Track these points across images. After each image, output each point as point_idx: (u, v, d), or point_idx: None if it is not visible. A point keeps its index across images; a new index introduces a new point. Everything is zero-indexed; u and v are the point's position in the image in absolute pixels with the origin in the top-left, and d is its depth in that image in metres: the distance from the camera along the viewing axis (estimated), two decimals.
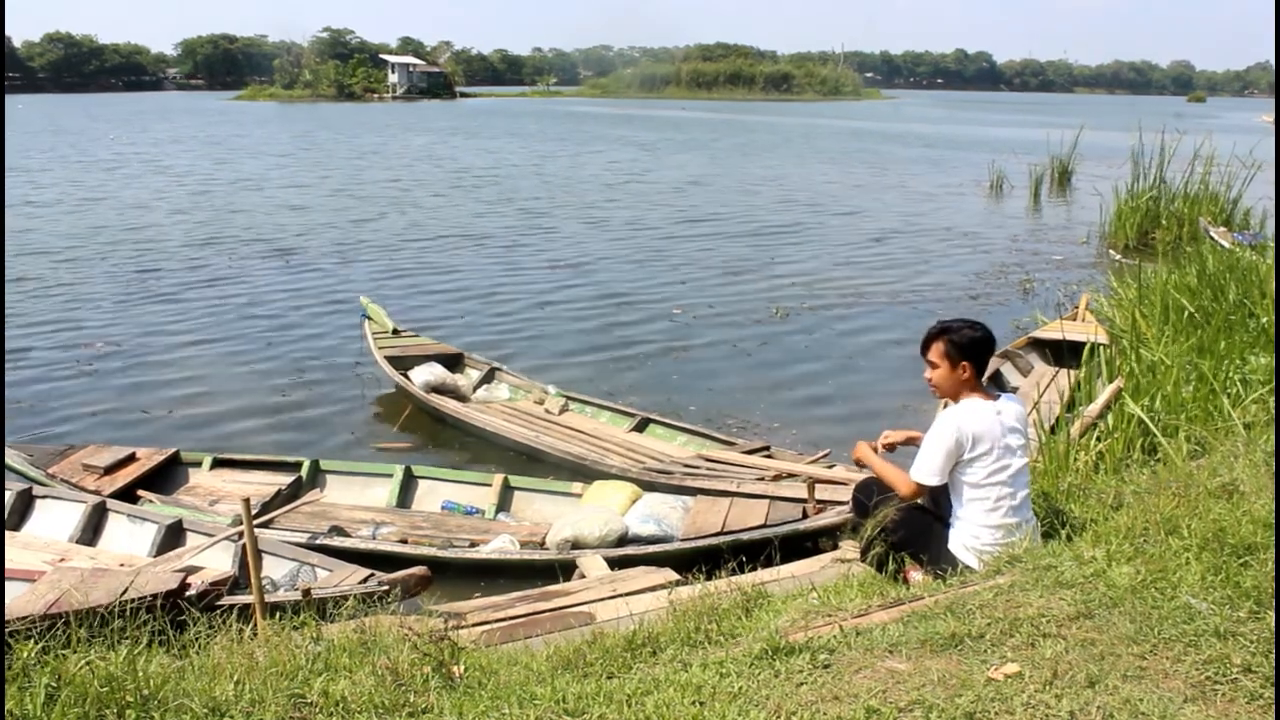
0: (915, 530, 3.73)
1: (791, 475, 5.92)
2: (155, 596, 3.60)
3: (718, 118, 62.87)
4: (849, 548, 4.65)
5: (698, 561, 4.86)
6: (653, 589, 4.37)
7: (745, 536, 5.14)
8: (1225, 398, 5.35)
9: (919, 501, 3.75)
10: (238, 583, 4.49)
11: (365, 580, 4.40)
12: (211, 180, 24.18)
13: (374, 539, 5.43)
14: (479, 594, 4.89)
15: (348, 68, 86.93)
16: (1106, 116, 46.83)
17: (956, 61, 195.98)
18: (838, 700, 2.44)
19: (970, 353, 3.62)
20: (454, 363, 8.31)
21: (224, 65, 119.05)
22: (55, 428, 7.51)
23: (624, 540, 5.34)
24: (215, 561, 4.81)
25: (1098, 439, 5.32)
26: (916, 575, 3.71)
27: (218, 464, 6.42)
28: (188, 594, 3.82)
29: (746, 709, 2.42)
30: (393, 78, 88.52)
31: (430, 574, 4.44)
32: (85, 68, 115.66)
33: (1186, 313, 7.51)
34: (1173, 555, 3.05)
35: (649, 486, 5.98)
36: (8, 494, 5.63)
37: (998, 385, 7.49)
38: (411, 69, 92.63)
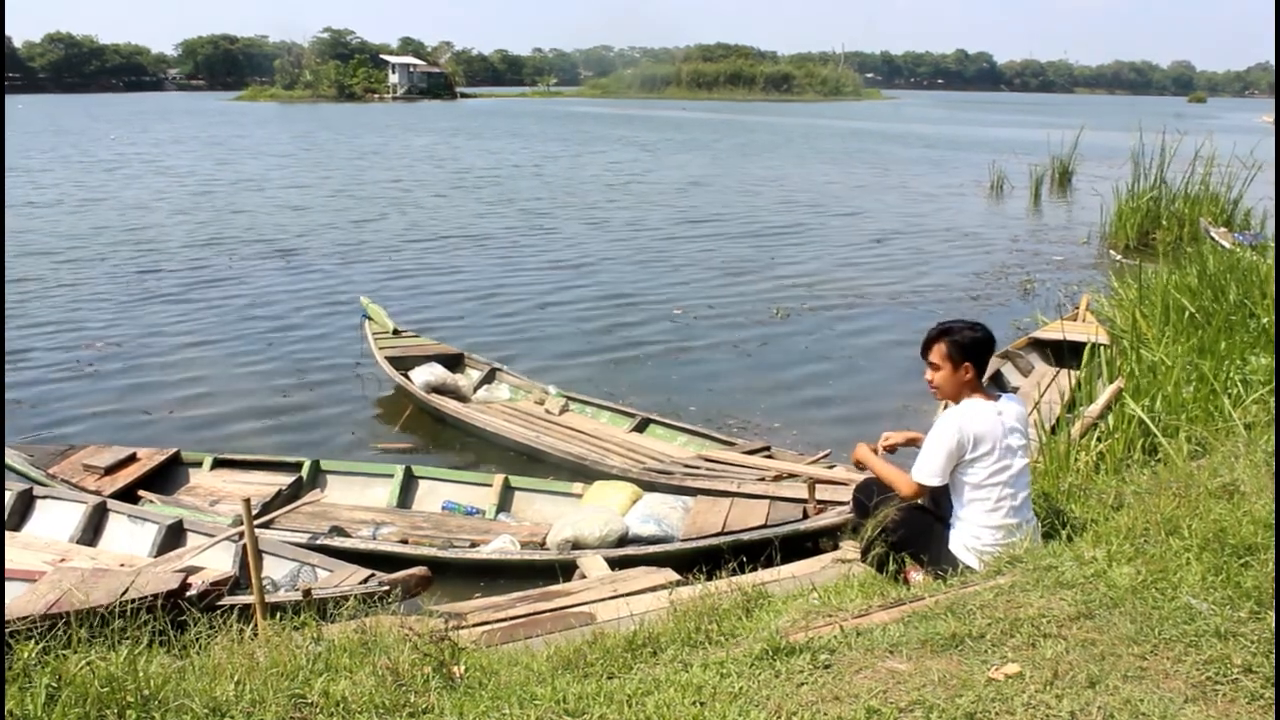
0: (915, 530, 3.73)
1: (792, 475, 5.92)
2: (156, 597, 3.60)
3: (718, 118, 62.87)
4: (849, 548, 4.65)
5: (698, 562, 4.87)
6: (653, 589, 4.38)
7: (746, 537, 5.14)
8: (1226, 398, 5.35)
9: (919, 502, 3.75)
10: (238, 583, 4.49)
11: (366, 580, 4.40)
12: (212, 181, 24.19)
13: (374, 539, 5.43)
14: (479, 594, 4.89)
15: (348, 68, 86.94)
16: (1107, 117, 46.83)
17: (957, 62, 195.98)
18: (838, 700, 2.44)
19: (972, 353, 3.62)
20: (454, 363, 8.32)
21: (224, 66, 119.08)
22: (56, 428, 7.51)
23: (624, 540, 5.35)
24: (216, 562, 4.81)
25: (1098, 439, 5.32)
26: (917, 575, 3.71)
27: (218, 464, 6.42)
28: (188, 594, 3.82)
29: (747, 709, 2.42)
30: (393, 78, 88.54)
31: (431, 574, 4.44)
32: (86, 68, 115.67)
33: (1187, 313, 7.51)
34: (1173, 555, 3.05)
35: (649, 487, 5.98)
36: (8, 494, 5.63)
37: (998, 385, 7.49)
38: (412, 69, 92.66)
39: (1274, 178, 11.62)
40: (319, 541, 5.22)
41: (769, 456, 6.43)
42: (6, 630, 3.08)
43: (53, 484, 5.86)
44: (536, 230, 17.09)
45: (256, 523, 4.21)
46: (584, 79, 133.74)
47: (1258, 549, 2.98)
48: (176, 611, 3.61)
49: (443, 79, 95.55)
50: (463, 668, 2.91)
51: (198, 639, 3.20)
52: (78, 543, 5.33)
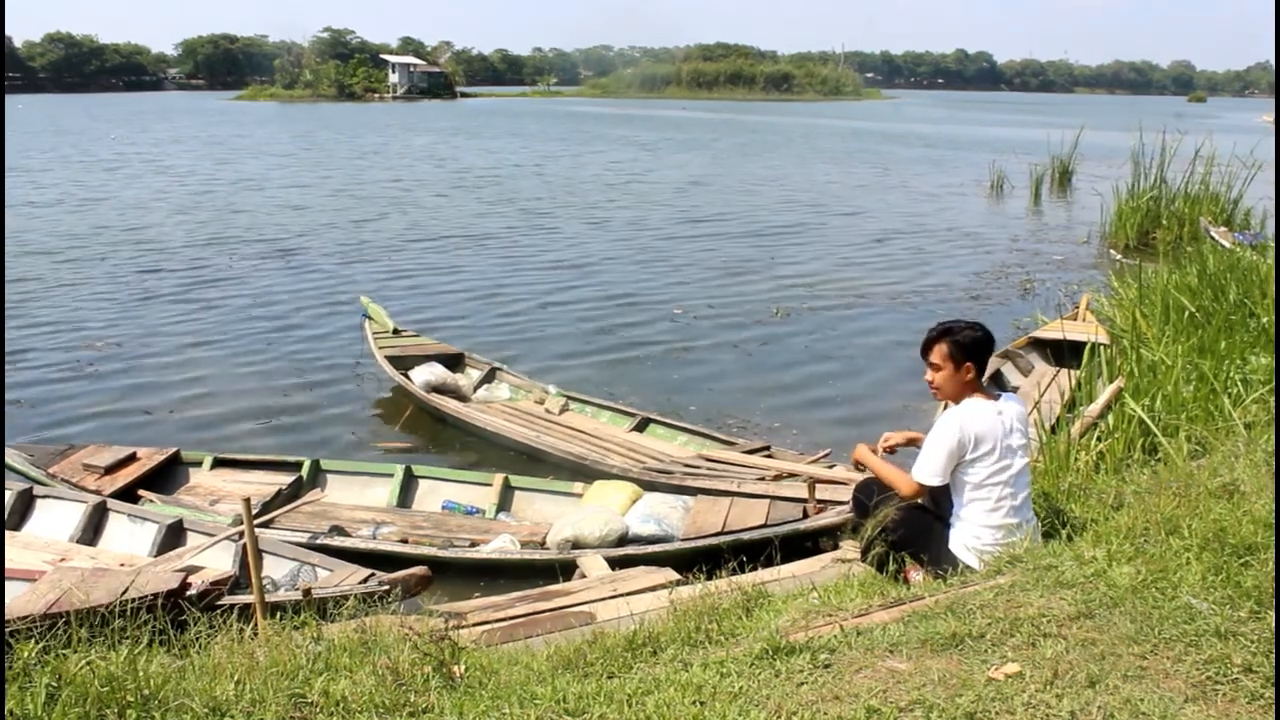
0: (915, 530, 3.73)
1: (792, 475, 5.92)
2: (156, 596, 3.60)
3: (718, 118, 62.87)
4: (849, 548, 4.65)
5: (698, 561, 4.87)
6: (653, 589, 4.38)
7: (746, 536, 5.14)
8: (1226, 398, 5.35)
9: (919, 501, 3.75)
10: (238, 582, 4.49)
11: (366, 580, 4.40)
12: (213, 180, 24.19)
13: (374, 539, 5.43)
14: (479, 594, 4.89)
15: (348, 68, 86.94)
16: (1107, 116, 46.83)
17: (957, 61, 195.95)
18: (838, 700, 2.44)
19: (973, 353, 3.62)
20: (454, 363, 8.32)
21: (224, 65, 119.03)
22: (56, 427, 7.51)
23: (624, 540, 5.34)
24: (216, 561, 4.81)
25: (1098, 439, 5.32)
26: (917, 575, 3.71)
27: (218, 464, 6.42)
28: (188, 594, 3.82)
29: (747, 709, 2.42)
30: (393, 78, 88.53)
31: (431, 574, 4.44)
32: (86, 68, 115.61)
33: (1187, 313, 7.51)
34: (1173, 555, 3.05)
35: (649, 486, 5.98)
36: (8, 494, 5.63)
37: (998, 385, 7.49)
38: (412, 69, 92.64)
39: (1274, 177, 11.62)
40: (319, 541, 5.23)
41: (769, 456, 6.43)
42: (6, 630, 3.08)
43: (53, 483, 5.87)
44: (537, 230, 17.09)
45: (256, 522, 4.21)
46: (584, 79, 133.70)
47: (1258, 549, 2.98)
48: (176, 611, 3.60)
49: (443, 79, 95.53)
50: (463, 667, 2.91)
51: (198, 639, 3.20)
52: (78, 542, 5.33)
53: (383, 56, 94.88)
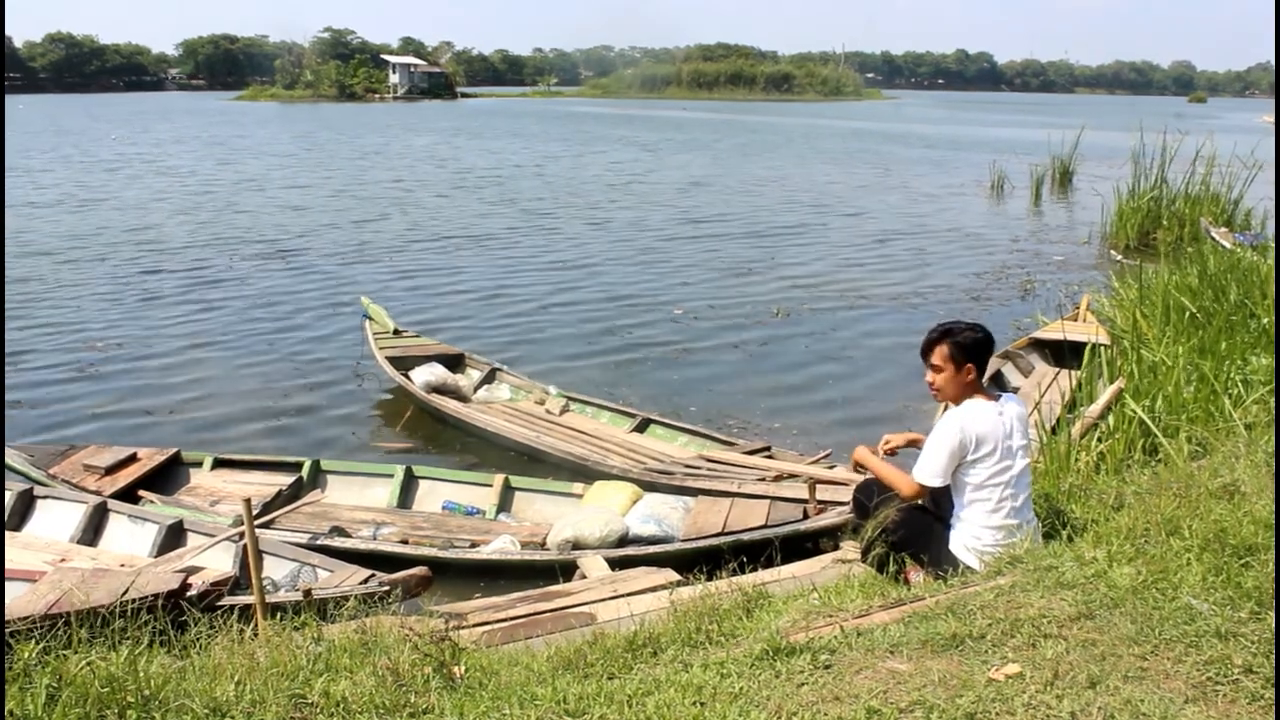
0: (916, 531, 3.73)
1: (792, 476, 5.92)
2: (156, 597, 3.60)
3: (719, 118, 62.87)
4: (850, 548, 4.65)
5: (699, 562, 4.87)
6: (654, 589, 4.37)
7: (746, 537, 5.14)
8: (1226, 398, 5.34)
9: (919, 502, 3.75)
10: (238, 583, 4.49)
11: (366, 581, 4.40)
12: (213, 181, 24.20)
13: (375, 539, 5.43)
14: (480, 594, 4.89)
15: (349, 68, 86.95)
16: (1107, 117, 46.80)
17: (957, 62, 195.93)
18: (838, 701, 2.44)
19: (974, 354, 3.61)
20: (455, 363, 8.32)
21: (225, 65, 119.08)
22: (56, 428, 7.52)
23: (625, 541, 5.34)
24: (216, 562, 4.81)
25: (1099, 440, 5.32)
26: (917, 576, 3.71)
27: (218, 464, 6.42)
28: (188, 594, 3.82)
29: (747, 709, 2.42)
30: (394, 78, 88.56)
31: (431, 574, 4.44)
32: (86, 68, 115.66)
33: (1188, 313, 7.51)
34: (1174, 556, 3.05)
35: (650, 487, 5.98)
36: (8, 494, 5.64)
37: (999, 385, 7.50)
38: (412, 69, 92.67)
39: (1274, 178, 11.61)
40: (319, 541, 5.23)
41: (769, 457, 6.43)
42: (7, 630, 3.08)
43: (53, 484, 5.87)
44: (538, 230, 17.09)
45: (257, 523, 4.21)
46: (584, 79, 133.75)
47: (1258, 549, 2.98)
48: (177, 611, 3.60)
49: (443, 79, 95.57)
50: (463, 668, 2.91)
51: (198, 639, 3.20)
52: (78, 543, 5.33)
53: (383, 57, 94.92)
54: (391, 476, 6.25)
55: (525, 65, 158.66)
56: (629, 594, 4.34)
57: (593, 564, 4.95)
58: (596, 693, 2.60)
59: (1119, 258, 14.24)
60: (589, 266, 13.97)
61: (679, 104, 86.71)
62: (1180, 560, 3.01)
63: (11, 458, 6.02)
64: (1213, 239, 12.72)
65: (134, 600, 3.46)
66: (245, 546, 4.29)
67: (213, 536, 5.02)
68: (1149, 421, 5.23)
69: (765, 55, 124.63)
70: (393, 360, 8.07)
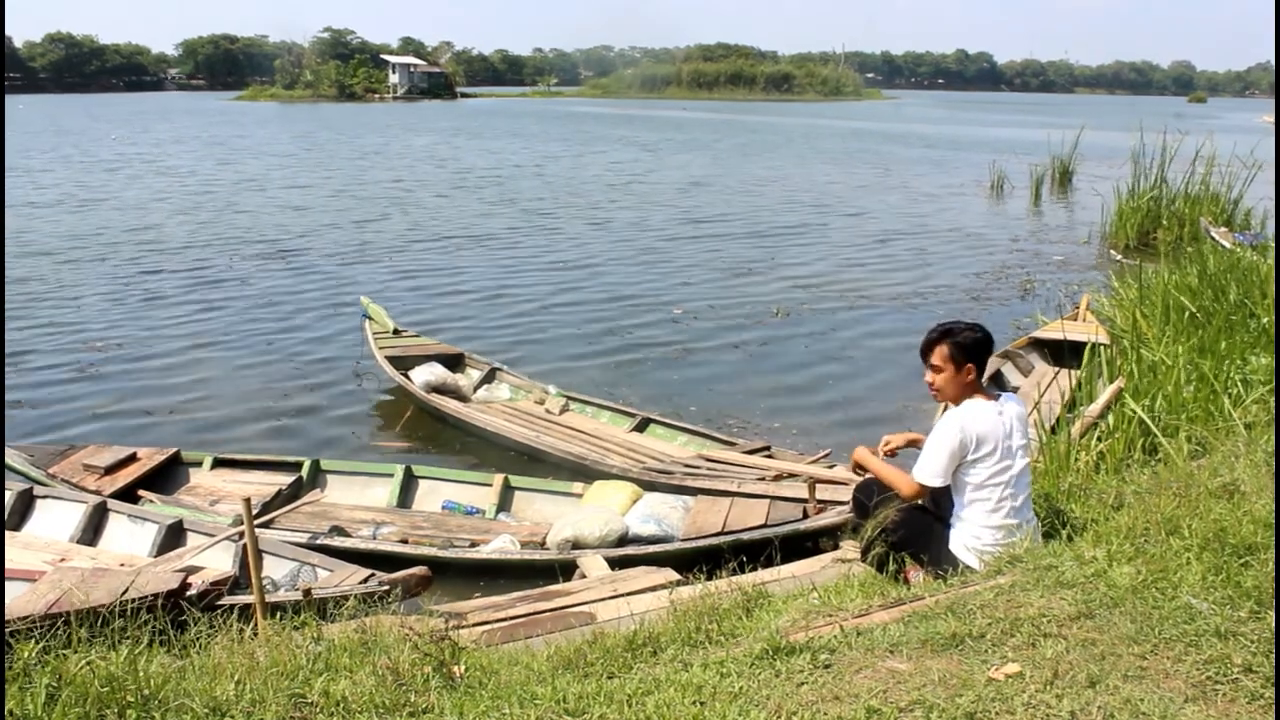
0: (915, 530, 3.73)
1: (792, 475, 5.92)
2: (156, 596, 3.60)
3: (719, 118, 62.88)
4: (849, 548, 4.65)
5: (698, 561, 4.87)
6: (653, 589, 4.37)
7: (746, 536, 5.14)
8: (1226, 398, 5.34)
9: (919, 502, 3.75)
10: (238, 583, 4.49)
11: (366, 580, 4.40)
12: (213, 181, 24.20)
13: (374, 539, 5.43)
14: (479, 594, 4.89)
15: (349, 68, 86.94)
16: (1107, 117, 46.83)
17: (957, 62, 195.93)
18: (838, 700, 2.44)
19: (973, 354, 3.61)
20: (454, 363, 8.32)
21: (225, 65, 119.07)
22: (56, 428, 7.51)
23: (624, 540, 5.34)
24: (216, 561, 4.81)
25: (1098, 439, 5.32)
26: (917, 575, 3.71)
27: (218, 464, 6.42)
28: (188, 594, 3.82)
29: (747, 709, 2.42)
30: (393, 78, 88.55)
31: (431, 574, 4.44)
32: (86, 68, 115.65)
33: (1187, 313, 7.51)
34: (1173, 555, 3.05)
35: (649, 486, 5.98)
36: (8, 494, 5.64)
37: (998, 385, 7.50)
38: (412, 69, 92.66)
39: (1274, 178, 11.62)
40: (319, 541, 5.23)
41: (769, 456, 6.43)
42: (6, 630, 3.08)
43: (53, 484, 5.87)
44: (539, 230, 17.09)
45: (256, 522, 4.21)
46: (584, 79, 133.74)
47: (1258, 549, 2.98)
48: (176, 611, 3.61)
49: (443, 79, 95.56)
50: (463, 667, 2.91)
51: (198, 639, 3.20)
52: (78, 542, 5.33)
53: (383, 57, 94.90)
54: (391, 476, 6.25)
55: (525, 65, 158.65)
56: (629, 593, 4.34)
57: (592, 563, 4.95)
58: (596, 692, 2.60)
59: (1119, 257, 14.24)
60: (590, 266, 13.97)
61: (679, 104, 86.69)
62: (1180, 560, 3.01)
63: (11, 458, 6.02)
64: (1212, 239, 12.72)
65: (134, 600, 3.46)
66: (245, 546, 4.29)
67: (213, 536, 5.02)
68: (1149, 421, 5.23)
69: (765, 55, 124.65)
70: (392, 360, 8.07)
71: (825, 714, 2.38)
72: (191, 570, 4.30)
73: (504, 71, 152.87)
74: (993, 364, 7.43)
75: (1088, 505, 4.02)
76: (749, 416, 7.82)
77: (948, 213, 19.68)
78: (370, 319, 8.82)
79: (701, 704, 2.47)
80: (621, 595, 4.32)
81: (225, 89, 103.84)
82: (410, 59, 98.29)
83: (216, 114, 60.94)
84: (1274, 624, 2.55)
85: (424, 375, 7.75)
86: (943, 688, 2.43)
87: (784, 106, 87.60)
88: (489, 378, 8.16)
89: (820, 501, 5.39)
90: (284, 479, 6.17)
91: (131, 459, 6.25)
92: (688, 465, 6.38)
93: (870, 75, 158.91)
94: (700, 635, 3.11)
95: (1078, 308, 9.05)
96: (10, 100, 77.48)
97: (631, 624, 3.28)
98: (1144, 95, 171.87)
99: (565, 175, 26.70)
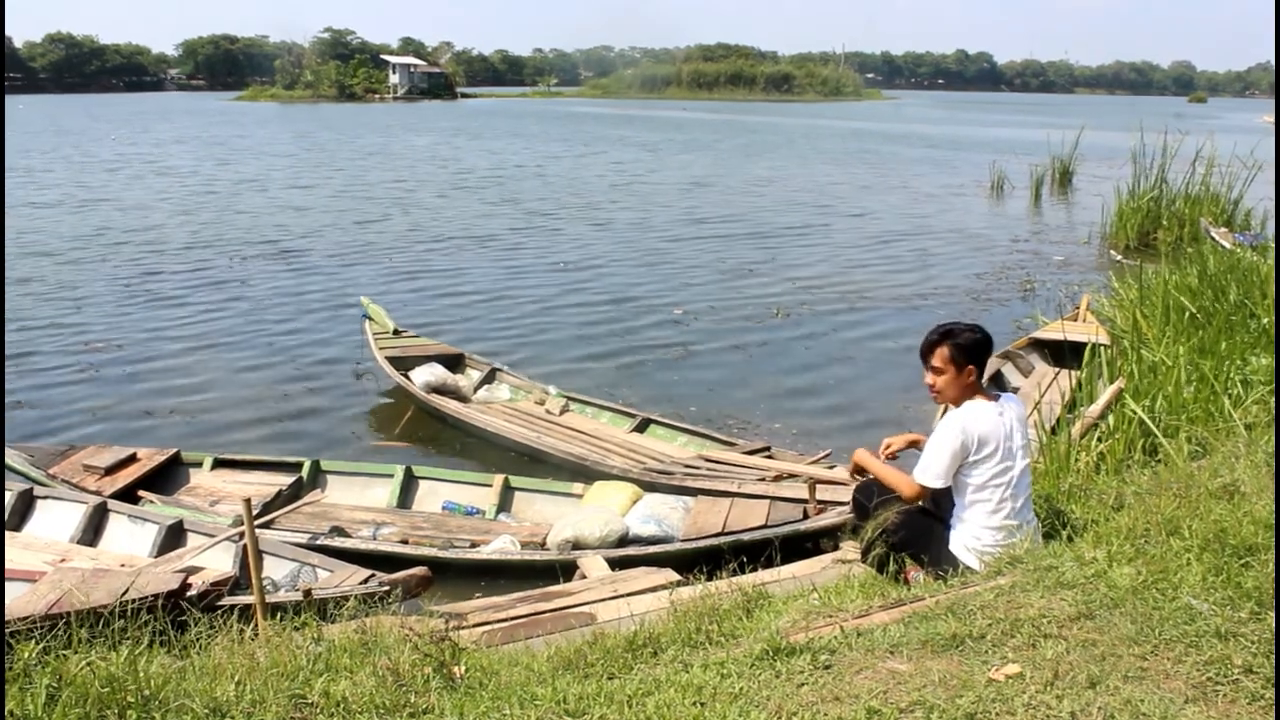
0: (916, 531, 3.73)
1: (792, 476, 5.92)
2: (156, 597, 3.60)
3: (719, 118, 62.87)
4: (850, 548, 4.65)
5: (699, 562, 4.87)
6: (653, 589, 4.38)
7: (746, 537, 5.14)
8: (1226, 398, 5.34)
9: (920, 503, 3.75)
10: (238, 583, 4.49)
11: (366, 581, 4.40)
12: (214, 181, 24.20)
13: (375, 539, 5.43)
14: (480, 594, 4.89)
15: (349, 68, 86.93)
16: (1107, 117, 46.82)
17: (957, 62, 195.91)
18: (838, 701, 2.44)
19: (974, 355, 3.60)
20: (455, 363, 8.32)
21: (225, 66, 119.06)
22: (56, 428, 7.51)
23: (625, 541, 5.35)
24: (216, 562, 4.81)
25: (1099, 440, 5.32)
26: (917, 576, 3.71)
27: (218, 464, 6.42)
28: (188, 594, 3.82)
29: (747, 710, 2.42)
30: (394, 78, 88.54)
31: (431, 574, 4.44)
32: (86, 68, 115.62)
33: (1188, 313, 7.51)
34: (1174, 556, 3.05)
35: (650, 487, 5.98)
36: (8, 494, 5.64)
37: (999, 386, 7.49)
38: (412, 69, 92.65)
39: (1274, 178, 11.61)
40: (319, 542, 5.23)
41: (769, 457, 6.43)
42: (7, 630, 3.08)
43: (53, 484, 5.87)
44: (540, 231, 17.09)
45: (257, 523, 4.21)
46: (584, 79, 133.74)
47: (1258, 549, 2.98)
48: (177, 612, 3.61)
49: (443, 79, 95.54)
50: (463, 668, 2.91)
51: (198, 639, 3.20)
52: (78, 543, 5.33)
53: (383, 57, 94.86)
54: (391, 477, 6.25)
55: (525, 65, 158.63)
56: (629, 594, 4.34)
57: (593, 564, 4.95)
58: (596, 693, 2.60)
59: (1119, 258, 14.24)
60: (591, 267, 13.96)
61: (679, 104, 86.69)
62: (1180, 560, 3.01)
63: (11, 458, 6.02)
64: (1213, 239, 12.72)
65: (134, 600, 3.46)
66: (245, 546, 4.29)
67: (213, 536, 5.02)
68: (1149, 421, 5.23)
69: (765, 55, 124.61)
70: (393, 360, 8.07)
71: (825, 715, 2.38)
72: (192, 571, 4.31)
73: (504, 72, 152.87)
74: (993, 364, 7.43)
75: (1088, 506, 4.02)
76: (749, 417, 7.82)
77: (948, 213, 19.68)
78: (371, 319, 8.82)
79: (702, 705, 2.47)
80: (622, 596, 4.32)
81: (225, 89, 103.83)
82: (410, 59, 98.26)
83: (217, 114, 60.94)
84: (1274, 625, 2.55)
85: (424, 376, 7.75)
86: (943, 688, 2.43)
87: (784, 107, 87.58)
88: (489, 378, 8.16)
89: (820, 502, 5.39)
90: (284, 479, 6.17)
91: (132, 459, 6.25)
92: (688, 466, 6.38)
93: (870, 75, 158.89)
94: (700, 636, 3.11)
95: (1078, 308, 9.05)
96: (10, 100, 77.49)
97: (632, 625, 3.28)
98: (1144, 95, 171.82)
99: (566, 176, 26.70)
